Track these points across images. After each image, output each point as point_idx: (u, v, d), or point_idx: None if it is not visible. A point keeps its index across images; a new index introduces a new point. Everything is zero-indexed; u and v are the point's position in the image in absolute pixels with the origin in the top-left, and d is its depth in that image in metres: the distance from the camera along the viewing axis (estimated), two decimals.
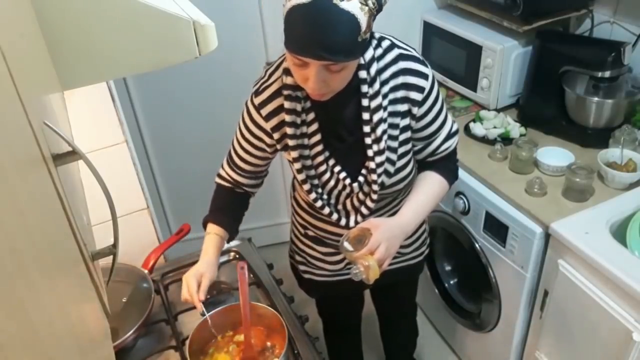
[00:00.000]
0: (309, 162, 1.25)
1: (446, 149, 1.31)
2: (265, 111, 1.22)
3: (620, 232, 1.47)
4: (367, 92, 1.16)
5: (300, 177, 1.25)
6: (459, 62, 2.08)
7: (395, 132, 1.22)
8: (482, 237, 1.77)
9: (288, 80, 1.16)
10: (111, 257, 0.67)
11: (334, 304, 1.76)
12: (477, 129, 1.91)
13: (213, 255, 1.31)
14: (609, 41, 1.82)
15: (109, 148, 1.52)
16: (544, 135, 1.87)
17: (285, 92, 1.17)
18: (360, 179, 1.26)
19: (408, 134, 1.25)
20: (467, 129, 1.94)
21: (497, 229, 1.69)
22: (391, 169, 1.25)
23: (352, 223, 1.31)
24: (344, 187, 1.27)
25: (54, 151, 0.56)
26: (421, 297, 2.07)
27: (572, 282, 1.45)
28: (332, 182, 1.27)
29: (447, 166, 1.34)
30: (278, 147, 1.26)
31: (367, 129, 1.19)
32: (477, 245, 1.80)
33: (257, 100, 1.22)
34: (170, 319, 1.43)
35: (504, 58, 1.91)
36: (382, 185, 1.26)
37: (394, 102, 1.20)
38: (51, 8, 0.63)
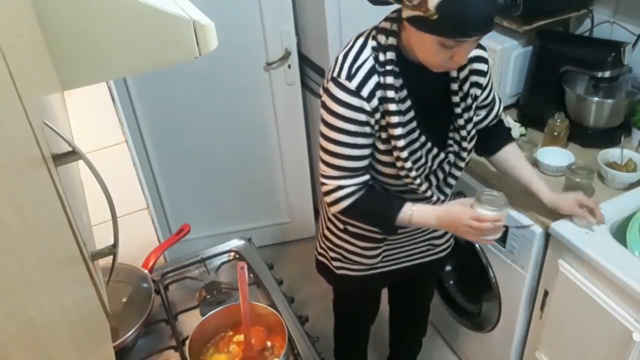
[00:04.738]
0: (409, 139, 1.25)
1: (499, 109, 1.47)
2: (365, 92, 1.20)
3: (620, 232, 1.47)
4: None
5: (403, 154, 1.25)
6: None
7: (471, 102, 1.32)
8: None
9: (390, 56, 1.19)
10: (111, 257, 0.67)
11: (356, 301, 1.77)
12: None
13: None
14: (609, 41, 1.82)
15: (109, 148, 1.52)
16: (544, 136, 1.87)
17: (389, 68, 1.19)
18: (452, 148, 1.33)
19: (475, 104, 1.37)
20: None
21: None
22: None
23: (442, 197, 1.37)
24: (435, 160, 1.32)
25: (54, 151, 0.56)
26: None
27: (572, 282, 1.45)
28: (423, 160, 1.30)
29: (505, 129, 1.53)
30: (375, 128, 1.24)
31: (456, 99, 1.29)
32: (477, 245, 1.80)
33: (353, 84, 1.19)
34: (170, 319, 1.43)
35: (504, 58, 1.91)
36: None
37: (471, 73, 1.29)
38: (51, 8, 0.63)
